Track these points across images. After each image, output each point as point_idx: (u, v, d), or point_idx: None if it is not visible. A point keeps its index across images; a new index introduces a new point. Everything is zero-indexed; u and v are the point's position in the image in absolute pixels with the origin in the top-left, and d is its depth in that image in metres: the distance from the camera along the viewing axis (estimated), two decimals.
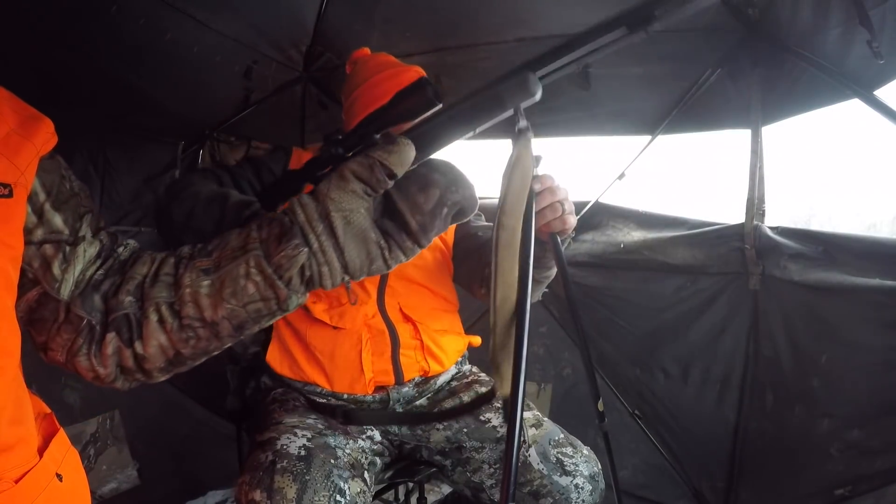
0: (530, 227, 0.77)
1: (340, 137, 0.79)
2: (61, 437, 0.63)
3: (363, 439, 1.12)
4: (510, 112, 0.72)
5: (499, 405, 1.23)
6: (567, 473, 1.11)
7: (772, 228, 1.55)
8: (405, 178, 0.60)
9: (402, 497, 1.74)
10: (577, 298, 1.93)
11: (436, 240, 1.30)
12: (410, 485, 1.45)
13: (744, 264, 1.59)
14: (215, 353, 0.64)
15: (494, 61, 1.67)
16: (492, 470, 1.16)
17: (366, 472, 1.05)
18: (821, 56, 1.32)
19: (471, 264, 1.26)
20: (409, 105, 0.74)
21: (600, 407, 1.11)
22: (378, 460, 1.14)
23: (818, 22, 1.25)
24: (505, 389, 0.80)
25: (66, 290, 0.58)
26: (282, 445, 1.00)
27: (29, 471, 0.54)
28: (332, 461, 0.99)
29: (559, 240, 1.03)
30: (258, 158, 1.26)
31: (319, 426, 1.08)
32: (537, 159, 0.90)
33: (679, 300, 1.73)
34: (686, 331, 1.72)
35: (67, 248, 0.59)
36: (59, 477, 0.58)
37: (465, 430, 1.20)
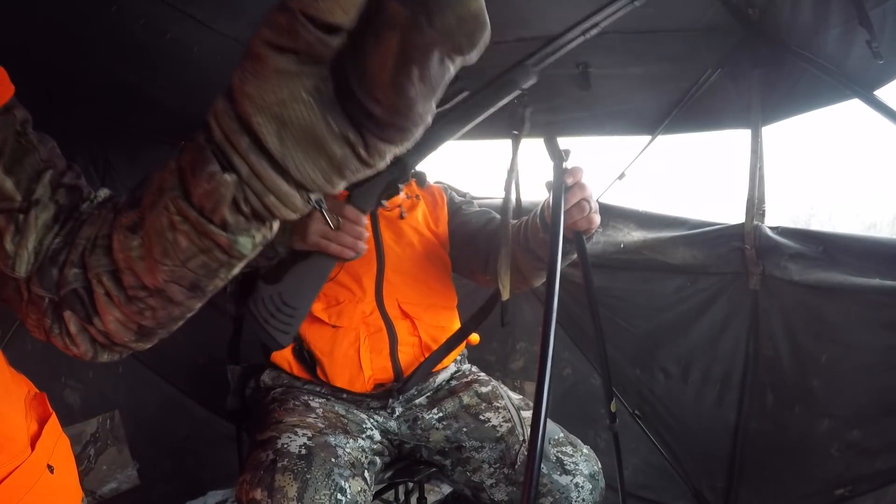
0: (559, 220, 0.79)
1: None
2: (53, 422, 0.60)
3: (363, 439, 1.12)
4: (517, 92, 0.88)
5: (499, 405, 1.23)
6: (567, 472, 1.11)
7: (772, 228, 1.56)
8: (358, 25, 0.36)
9: (402, 497, 1.74)
10: (577, 299, 1.93)
11: (430, 234, 1.31)
12: (410, 485, 1.45)
13: (744, 264, 1.59)
14: (189, 314, 0.56)
15: (494, 61, 1.67)
16: (492, 469, 1.16)
17: (366, 471, 1.05)
18: (821, 56, 1.31)
19: (469, 251, 1.28)
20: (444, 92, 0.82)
21: (613, 408, 1.10)
22: (378, 460, 1.14)
23: (818, 22, 1.25)
24: (506, 295, 1.00)
25: (21, 267, 0.49)
26: (282, 444, 1.00)
27: (18, 466, 0.51)
28: (333, 460, 0.99)
29: (583, 238, 1.03)
30: None
31: (320, 425, 1.08)
32: (566, 153, 0.93)
33: (679, 300, 1.73)
34: (686, 331, 1.72)
35: (21, 217, 0.48)
36: (51, 469, 0.56)
37: (464, 429, 1.20)
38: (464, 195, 1.45)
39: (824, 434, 1.44)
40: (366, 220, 1.03)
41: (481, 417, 1.21)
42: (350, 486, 0.97)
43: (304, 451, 0.99)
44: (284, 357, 1.22)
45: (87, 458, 1.77)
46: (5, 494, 0.50)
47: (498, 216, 1.32)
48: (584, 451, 1.17)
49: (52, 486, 0.56)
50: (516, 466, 1.13)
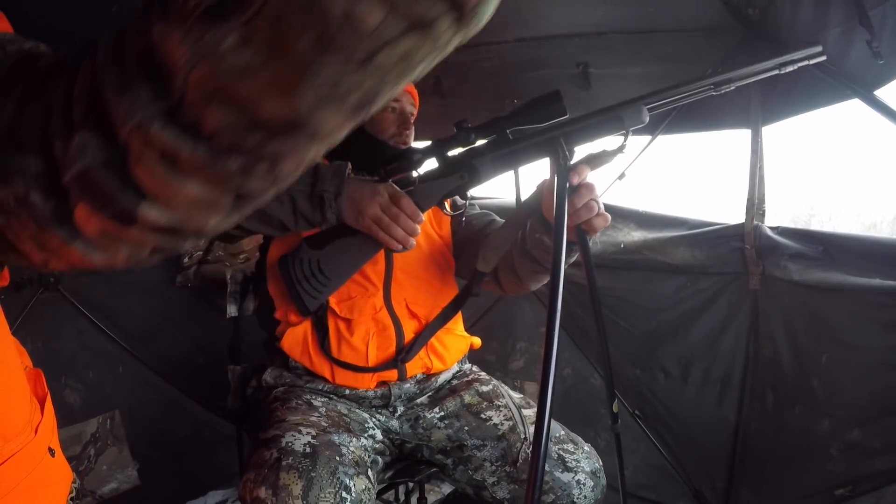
0: (562, 221, 0.79)
1: (470, 126, 0.92)
2: (48, 406, 0.58)
3: (365, 438, 1.12)
4: (622, 131, 0.86)
5: (500, 403, 1.23)
6: (569, 470, 1.11)
7: (772, 228, 1.56)
8: None
9: (402, 497, 1.74)
10: (578, 299, 1.93)
11: (436, 235, 1.32)
12: (411, 485, 1.45)
13: (744, 264, 1.59)
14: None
15: (494, 61, 1.67)
16: (493, 468, 1.16)
17: (369, 469, 1.05)
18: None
19: (469, 252, 1.29)
20: (544, 110, 0.87)
21: (615, 409, 1.10)
22: (379, 459, 1.14)
23: (818, 22, 1.25)
24: (483, 267, 1.05)
25: None
26: (287, 443, 0.99)
27: (20, 450, 0.50)
28: (338, 458, 0.99)
29: (587, 238, 1.02)
30: None
31: (323, 424, 1.08)
32: (571, 152, 0.93)
33: (679, 300, 1.73)
34: (686, 331, 1.72)
35: None
36: (52, 451, 0.55)
37: (466, 428, 1.20)
38: (468, 198, 1.45)
39: (824, 434, 1.44)
40: (423, 219, 1.04)
41: (482, 416, 1.21)
42: (355, 485, 0.96)
43: (308, 450, 0.98)
44: (296, 338, 1.20)
45: (87, 458, 1.77)
46: (5, 478, 0.48)
47: (498, 219, 1.33)
48: (586, 448, 1.17)
49: (52, 469, 0.55)
50: (518, 464, 1.13)
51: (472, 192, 1.60)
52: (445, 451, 1.21)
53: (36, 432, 0.52)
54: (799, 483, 1.50)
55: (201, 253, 2.09)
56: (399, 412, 1.24)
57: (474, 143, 0.95)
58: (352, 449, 1.04)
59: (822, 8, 1.21)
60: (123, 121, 0.29)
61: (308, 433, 1.02)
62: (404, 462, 1.27)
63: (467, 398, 1.24)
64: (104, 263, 0.38)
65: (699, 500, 1.74)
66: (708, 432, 1.70)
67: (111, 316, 1.88)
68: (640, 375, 1.81)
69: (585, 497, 1.10)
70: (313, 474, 0.94)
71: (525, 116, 0.90)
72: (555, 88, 0.92)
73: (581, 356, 1.98)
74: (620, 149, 0.91)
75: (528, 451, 1.13)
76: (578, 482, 1.11)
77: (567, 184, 0.85)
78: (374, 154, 1.16)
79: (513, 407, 1.22)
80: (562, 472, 1.11)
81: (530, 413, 1.21)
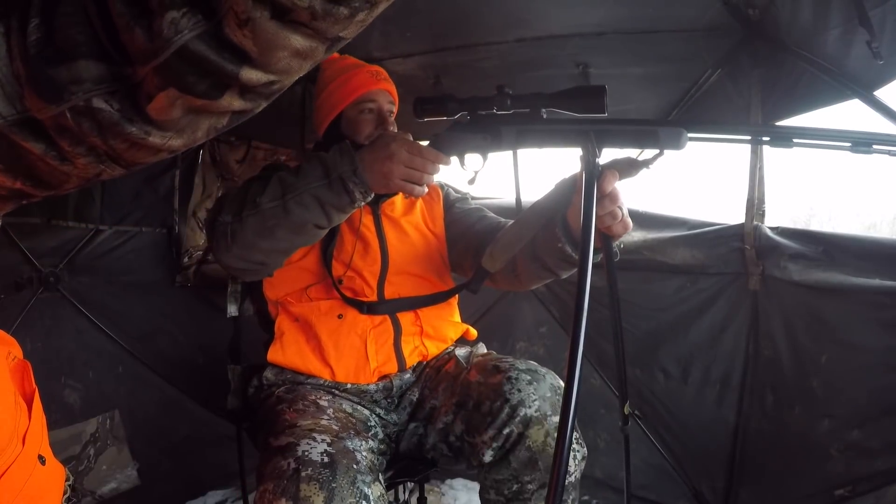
0: (590, 224, 0.76)
1: (510, 92, 0.93)
2: (37, 405, 0.56)
3: (371, 439, 1.11)
4: (655, 150, 0.84)
5: (461, 355, 1.25)
6: (500, 371, 1.13)
7: (772, 229, 1.56)
8: None
9: (402, 497, 1.74)
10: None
11: (429, 232, 1.32)
12: (411, 485, 1.45)
13: (744, 264, 1.59)
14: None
15: (494, 61, 1.67)
16: (446, 409, 1.18)
17: (380, 474, 1.05)
18: (821, 56, 1.32)
19: (460, 247, 1.30)
20: (584, 102, 0.88)
21: (626, 410, 1.08)
22: (383, 459, 1.14)
23: (818, 22, 1.25)
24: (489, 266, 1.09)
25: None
26: (303, 451, 0.97)
27: (10, 466, 0.49)
28: (355, 466, 0.97)
29: (612, 244, 1.00)
30: (276, 164, 1.30)
31: (335, 427, 1.06)
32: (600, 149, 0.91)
33: (679, 300, 1.73)
34: (686, 331, 1.72)
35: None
36: (42, 459, 0.54)
37: (429, 383, 1.25)
38: (462, 194, 1.45)
39: (824, 434, 1.44)
40: (449, 161, 1.03)
41: (439, 370, 1.25)
42: (372, 492, 0.96)
43: (326, 459, 0.96)
44: (282, 354, 1.21)
45: (87, 458, 1.77)
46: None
47: (491, 215, 1.33)
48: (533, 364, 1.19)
49: (44, 477, 0.55)
50: (457, 391, 1.17)
51: (473, 192, 1.60)
52: (416, 419, 1.24)
53: (24, 443, 0.51)
54: (799, 483, 1.50)
55: (201, 253, 2.09)
56: (397, 402, 1.24)
57: (509, 109, 0.94)
58: (364, 454, 1.03)
59: (822, 8, 1.21)
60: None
61: (323, 440, 1.01)
62: (403, 462, 1.27)
63: (442, 369, 1.27)
64: (183, 146, 0.40)
65: (699, 500, 1.74)
66: (708, 432, 1.70)
67: (111, 316, 1.88)
68: (640, 375, 1.81)
69: (519, 391, 1.10)
70: (334, 485, 0.93)
71: (565, 101, 0.89)
72: (556, 88, 0.91)
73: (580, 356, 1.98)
74: (647, 164, 0.89)
75: (468, 375, 1.17)
76: (508, 378, 1.12)
77: (595, 184, 0.82)
78: None
79: (463, 350, 1.27)
80: (493, 377, 1.13)
81: (479, 352, 1.27)
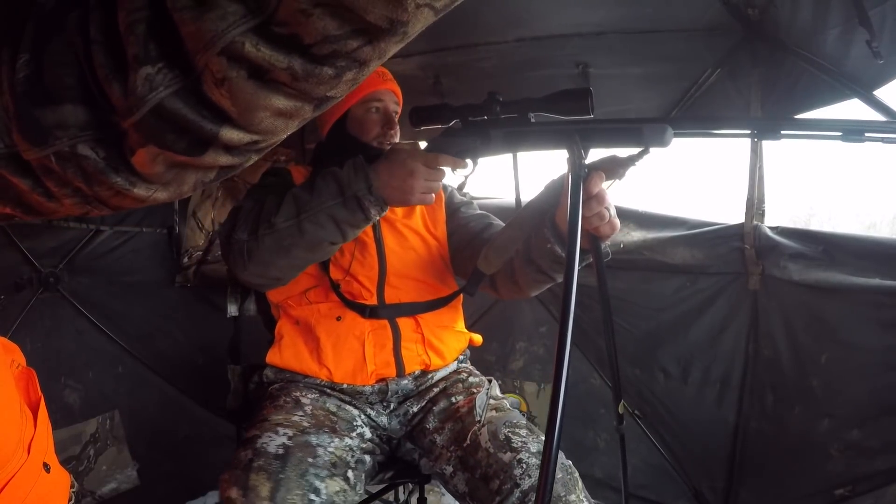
0: (576, 227, 0.77)
1: (500, 98, 0.95)
2: (42, 413, 0.56)
3: (351, 437, 1.11)
4: (640, 147, 0.83)
5: (474, 391, 1.22)
6: (512, 450, 1.06)
7: (772, 228, 1.56)
8: None
9: (402, 497, 1.74)
10: (578, 299, 1.93)
11: (430, 237, 1.32)
12: (411, 485, 1.45)
13: (744, 264, 1.59)
14: None
15: (494, 61, 1.67)
16: (448, 454, 1.13)
17: (351, 470, 1.04)
18: (820, 56, 1.32)
19: (466, 255, 1.28)
20: (570, 104, 0.89)
21: (621, 409, 1.08)
22: (368, 458, 1.13)
23: (818, 22, 1.26)
24: (484, 268, 1.09)
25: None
26: (261, 444, 1.01)
27: (14, 475, 0.48)
28: (311, 460, 0.99)
29: (600, 244, 1.00)
30: (277, 170, 1.30)
31: (304, 424, 1.07)
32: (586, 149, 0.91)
33: (679, 300, 1.73)
34: (686, 331, 1.72)
35: None
36: (47, 467, 0.54)
37: (438, 412, 1.20)
38: (464, 195, 1.44)
39: (824, 434, 1.44)
40: (465, 165, 1.04)
41: (452, 399, 1.22)
42: (326, 487, 0.96)
43: (280, 451, 0.99)
44: (280, 356, 1.21)
45: (86, 458, 1.77)
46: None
47: (497, 221, 1.32)
48: (540, 436, 1.11)
49: (49, 485, 0.55)
50: (465, 444, 1.10)
51: (472, 191, 1.60)
52: (413, 438, 1.22)
53: (29, 451, 0.51)
54: (798, 483, 1.50)
55: (201, 253, 2.09)
56: (392, 407, 1.24)
57: (499, 115, 0.96)
58: (330, 450, 1.03)
59: (822, 8, 1.21)
60: (206, 44, 0.27)
61: (284, 434, 1.03)
62: (403, 462, 1.26)
63: (458, 400, 1.24)
64: (169, 198, 0.38)
65: (699, 500, 1.74)
66: (708, 432, 1.70)
67: (111, 316, 1.88)
68: (639, 375, 1.81)
69: (529, 476, 1.04)
70: (281, 476, 0.95)
71: (552, 105, 0.91)
72: (555, 88, 0.92)
73: (581, 356, 1.98)
74: (632, 160, 0.89)
75: (479, 433, 1.10)
76: (519, 461, 1.05)
77: (581, 185, 0.82)
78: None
79: (483, 395, 1.19)
80: (504, 453, 1.06)
81: (502, 403, 1.20)
